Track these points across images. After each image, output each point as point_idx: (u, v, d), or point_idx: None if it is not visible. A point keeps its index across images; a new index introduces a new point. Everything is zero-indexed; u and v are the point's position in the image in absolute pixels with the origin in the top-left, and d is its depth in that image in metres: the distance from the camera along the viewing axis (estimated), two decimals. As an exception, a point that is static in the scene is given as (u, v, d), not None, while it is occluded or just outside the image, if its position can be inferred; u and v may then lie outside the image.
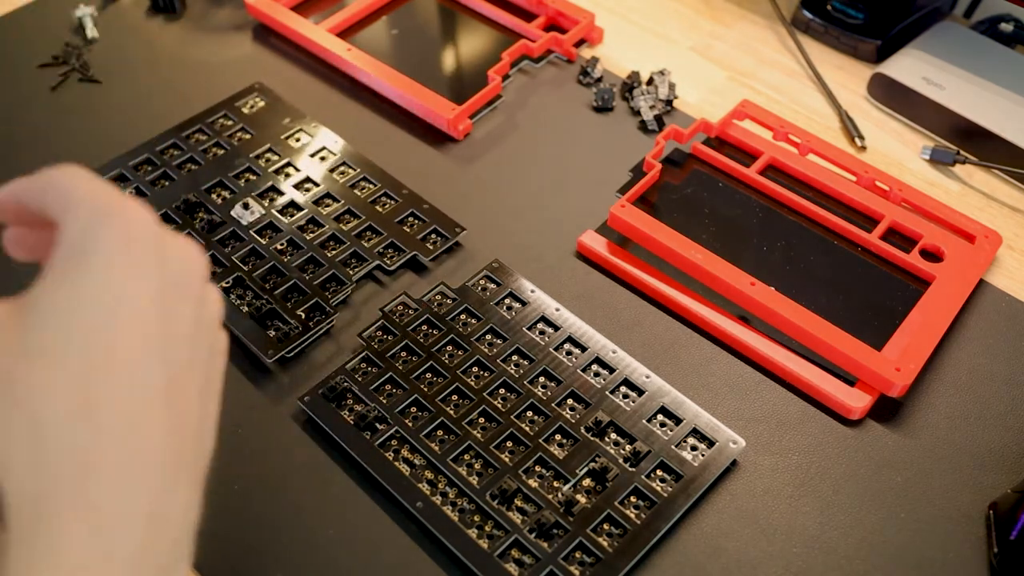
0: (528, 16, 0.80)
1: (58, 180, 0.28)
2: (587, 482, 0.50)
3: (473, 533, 0.48)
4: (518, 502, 0.49)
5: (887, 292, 0.60)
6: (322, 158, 0.68)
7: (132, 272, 0.27)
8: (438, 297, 0.59)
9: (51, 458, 0.25)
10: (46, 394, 0.25)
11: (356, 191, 0.65)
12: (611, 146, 0.70)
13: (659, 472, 0.51)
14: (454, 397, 0.54)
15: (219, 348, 0.32)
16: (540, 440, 0.52)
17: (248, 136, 0.69)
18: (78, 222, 0.27)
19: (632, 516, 0.49)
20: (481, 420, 0.53)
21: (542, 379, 0.55)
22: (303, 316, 0.57)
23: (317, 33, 0.77)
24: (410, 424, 0.52)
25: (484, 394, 0.54)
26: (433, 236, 0.63)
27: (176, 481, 0.27)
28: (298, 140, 0.69)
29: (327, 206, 0.64)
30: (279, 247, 0.61)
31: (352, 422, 0.52)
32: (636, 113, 0.72)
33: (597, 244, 0.62)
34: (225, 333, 0.32)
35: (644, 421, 0.52)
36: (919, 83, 0.71)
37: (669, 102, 0.73)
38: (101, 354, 0.26)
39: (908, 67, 0.72)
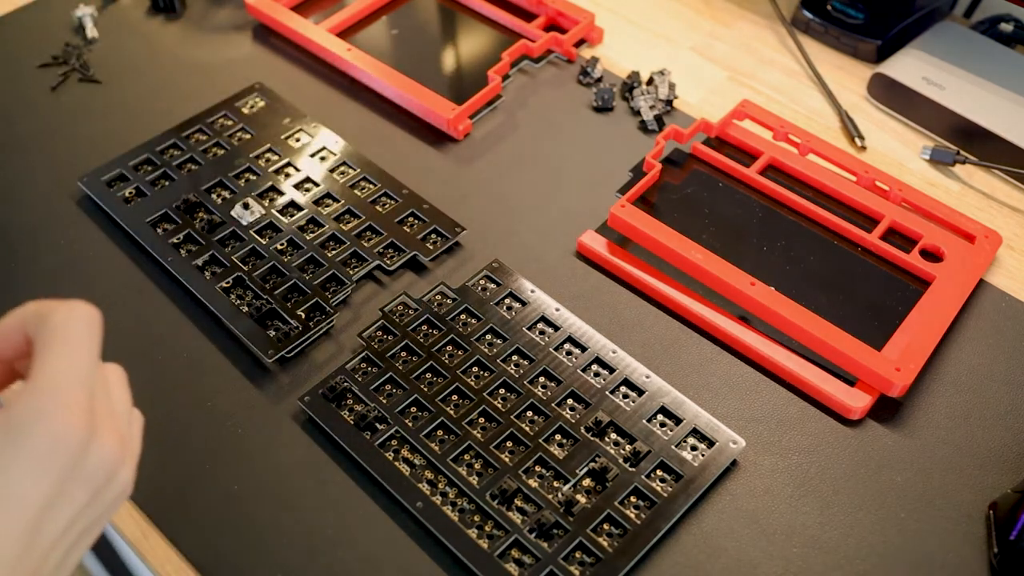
0: (528, 16, 0.80)
1: (54, 328, 0.32)
2: (587, 482, 0.50)
3: (473, 533, 0.48)
4: (518, 502, 0.49)
5: (887, 292, 0.60)
6: (322, 158, 0.68)
7: (39, 469, 0.30)
8: (438, 297, 0.59)
9: None
10: None
11: (356, 191, 0.65)
12: (611, 146, 0.70)
13: (659, 472, 0.51)
14: (454, 397, 0.54)
15: (107, 515, 0.35)
16: (540, 440, 0.52)
17: (248, 136, 0.69)
18: (29, 403, 0.30)
19: (632, 516, 0.49)
20: (481, 420, 0.53)
21: (542, 379, 0.55)
22: (303, 316, 0.57)
23: (317, 33, 0.77)
24: (410, 424, 0.52)
25: (484, 394, 0.54)
26: (433, 236, 0.63)
27: None
28: (298, 140, 0.69)
29: (327, 206, 0.64)
30: (279, 247, 0.61)
31: (352, 422, 0.52)
32: (636, 113, 0.72)
33: (597, 244, 0.62)
34: (120, 500, 0.34)
35: (644, 421, 0.52)
36: (919, 83, 0.71)
37: (669, 102, 0.73)
38: None
39: (908, 67, 0.72)
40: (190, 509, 0.50)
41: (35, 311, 0.33)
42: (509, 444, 0.52)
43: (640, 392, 0.54)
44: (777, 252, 0.62)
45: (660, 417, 0.53)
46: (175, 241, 0.62)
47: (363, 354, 0.56)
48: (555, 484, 0.50)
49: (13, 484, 0.29)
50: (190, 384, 0.56)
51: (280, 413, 0.54)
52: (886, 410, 0.55)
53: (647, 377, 0.54)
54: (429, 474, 0.51)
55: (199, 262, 0.60)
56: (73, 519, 0.32)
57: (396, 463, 0.51)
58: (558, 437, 0.52)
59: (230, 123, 0.70)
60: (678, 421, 0.53)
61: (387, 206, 0.64)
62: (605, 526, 0.48)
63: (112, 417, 0.33)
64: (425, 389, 0.54)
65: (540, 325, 0.58)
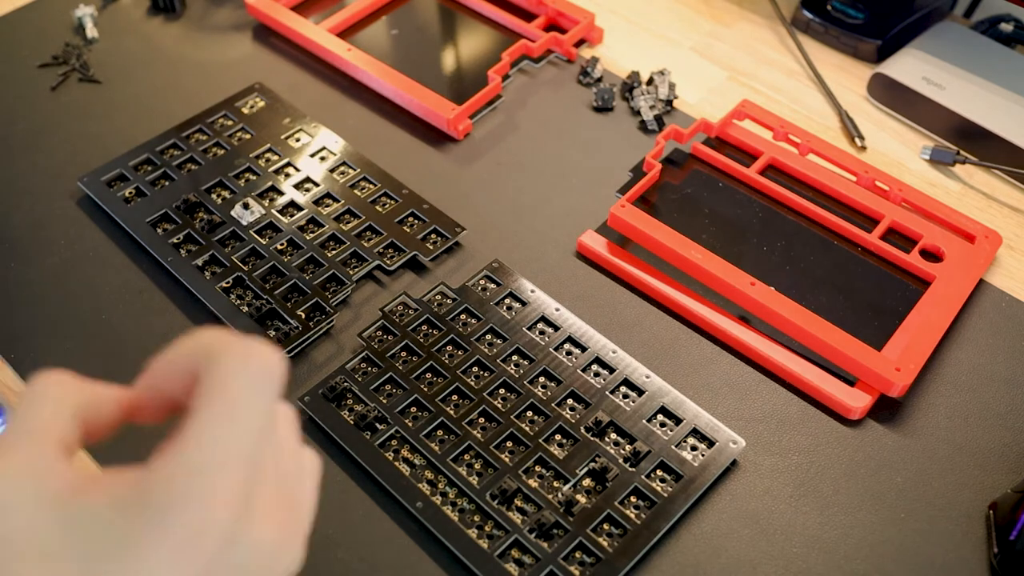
0: (528, 16, 0.80)
1: (220, 381, 0.27)
2: (587, 482, 0.50)
3: (473, 533, 0.48)
4: (518, 502, 0.49)
5: (887, 292, 0.60)
6: (322, 158, 0.68)
7: (178, 562, 0.25)
8: (438, 297, 0.59)
9: None
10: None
11: (356, 191, 0.65)
12: (611, 146, 0.70)
13: (659, 472, 0.51)
14: (454, 397, 0.54)
15: None
16: (540, 440, 0.52)
17: (248, 136, 0.69)
18: (172, 479, 0.25)
19: (632, 516, 0.49)
20: (481, 420, 0.53)
21: (542, 379, 0.55)
22: (303, 316, 0.57)
23: (317, 33, 0.77)
24: (410, 424, 0.52)
25: (484, 394, 0.54)
26: (433, 236, 0.63)
27: None
28: (298, 140, 0.69)
29: (327, 206, 0.64)
30: (279, 247, 0.61)
31: (352, 422, 0.52)
32: (636, 113, 0.72)
33: (597, 244, 0.62)
34: None
35: (644, 421, 0.52)
36: (919, 83, 0.71)
37: (669, 102, 0.73)
38: None
39: (908, 67, 0.72)
40: (190, 509, 0.50)
41: (207, 349, 0.28)
42: (509, 444, 0.52)
43: (640, 392, 0.54)
44: (777, 252, 0.62)
45: (660, 417, 0.53)
46: (175, 241, 0.62)
47: (363, 354, 0.56)
48: (555, 484, 0.50)
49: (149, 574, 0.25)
50: (190, 384, 0.55)
51: (280, 413, 0.54)
52: (886, 410, 0.55)
53: (647, 377, 0.54)
54: (429, 474, 0.51)
55: (199, 262, 0.60)
56: None
57: (396, 463, 0.51)
58: (558, 437, 0.52)
59: (230, 123, 0.71)
60: (678, 421, 0.53)
61: (387, 206, 0.64)
62: (605, 526, 0.48)
63: (277, 495, 0.28)
64: (425, 389, 0.54)
65: (540, 325, 0.58)
